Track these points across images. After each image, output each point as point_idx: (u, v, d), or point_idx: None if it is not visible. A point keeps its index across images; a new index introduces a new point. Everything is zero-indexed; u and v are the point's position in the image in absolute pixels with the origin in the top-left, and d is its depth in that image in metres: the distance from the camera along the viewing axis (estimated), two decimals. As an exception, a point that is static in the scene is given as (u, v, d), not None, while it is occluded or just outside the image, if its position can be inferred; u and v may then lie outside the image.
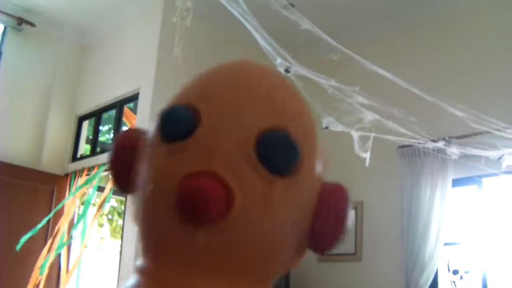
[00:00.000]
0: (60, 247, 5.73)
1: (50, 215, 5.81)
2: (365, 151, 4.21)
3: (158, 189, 0.63)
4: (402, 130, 4.30)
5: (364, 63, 3.67)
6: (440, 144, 4.61)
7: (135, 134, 0.71)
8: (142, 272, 0.63)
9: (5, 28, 6.44)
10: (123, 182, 0.70)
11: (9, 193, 5.81)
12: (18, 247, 5.37)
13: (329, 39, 3.58)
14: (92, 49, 6.75)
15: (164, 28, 5.51)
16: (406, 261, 5.00)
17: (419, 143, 4.62)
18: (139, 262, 0.65)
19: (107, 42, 6.50)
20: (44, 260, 5.57)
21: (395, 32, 5.70)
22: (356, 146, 4.19)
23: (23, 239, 5.41)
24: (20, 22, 6.31)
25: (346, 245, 5.54)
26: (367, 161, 4.19)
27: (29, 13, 6.36)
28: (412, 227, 4.99)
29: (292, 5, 3.78)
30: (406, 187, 5.14)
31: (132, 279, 0.64)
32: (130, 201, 0.67)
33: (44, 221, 5.65)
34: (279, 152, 0.61)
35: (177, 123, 0.64)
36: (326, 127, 4.08)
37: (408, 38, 5.64)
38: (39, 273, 5.52)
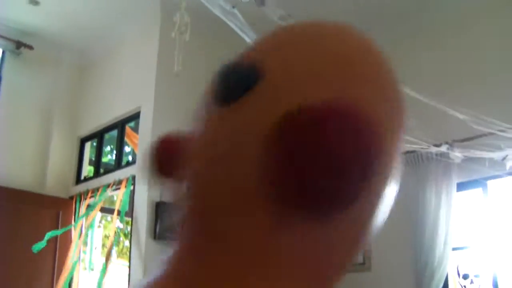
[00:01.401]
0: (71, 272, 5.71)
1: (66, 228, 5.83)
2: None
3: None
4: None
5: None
6: (443, 148, 4.60)
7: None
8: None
9: (3, 52, 6.47)
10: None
11: (14, 219, 5.79)
12: (35, 249, 5.42)
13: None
14: (92, 70, 6.77)
15: (162, 44, 5.53)
16: (416, 268, 4.97)
17: (422, 148, 4.61)
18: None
19: (106, 62, 6.52)
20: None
21: (395, 36, 5.69)
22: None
23: (37, 246, 5.45)
24: (18, 45, 6.33)
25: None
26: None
27: (27, 36, 6.38)
28: (420, 234, 4.96)
29: (287, 17, 3.80)
30: (411, 194, 5.11)
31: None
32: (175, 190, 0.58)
33: (53, 233, 5.67)
34: (224, 80, 0.55)
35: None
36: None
37: (408, 41, 5.64)
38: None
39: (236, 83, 0.53)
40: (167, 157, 0.60)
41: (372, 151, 0.47)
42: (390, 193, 0.56)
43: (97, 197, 5.84)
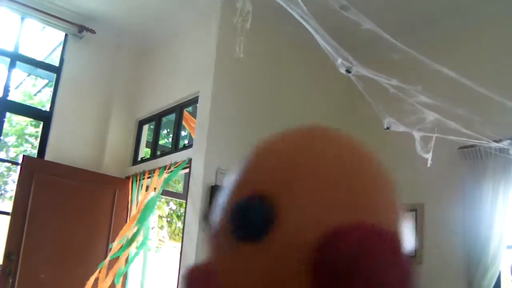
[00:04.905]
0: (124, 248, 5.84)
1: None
2: (427, 152, 4.16)
3: None
4: (464, 130, 4.23)
5: (426, 62, 3.64)
6: (505, 144, 4.52)
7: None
8: None
9: (66, 36, 6.65)
10: None
11: (73, 196, 5.97)
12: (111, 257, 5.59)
13: (390, 39, 3.56)
14: (151, 54, 6.87)
15: (222, 31, 5.57)
16: (468, 264, 4.91)
17: (481, 143, 4.54)
18: None
19: (165, 47, 6.61)
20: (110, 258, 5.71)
21: (456, 31, 5.62)
22: (418, 146, 4.14)
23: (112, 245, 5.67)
24: (81, 29, 6.50)
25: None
26: (429, 161, 4.13)
27: (89, 21, 6.55)
28: (474, 229, 4.90)
29: (348, 7, 3.78)
30: (467, 189, 5.05)
31: None
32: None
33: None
34: (243, 219, 0.60)
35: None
36: (388, 128, 4.05)
37: (469, 36, 5.55)
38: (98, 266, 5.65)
39: (255, 223, 0.59)
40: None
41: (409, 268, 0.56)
42: None
43: (154, 178, 5.93)
